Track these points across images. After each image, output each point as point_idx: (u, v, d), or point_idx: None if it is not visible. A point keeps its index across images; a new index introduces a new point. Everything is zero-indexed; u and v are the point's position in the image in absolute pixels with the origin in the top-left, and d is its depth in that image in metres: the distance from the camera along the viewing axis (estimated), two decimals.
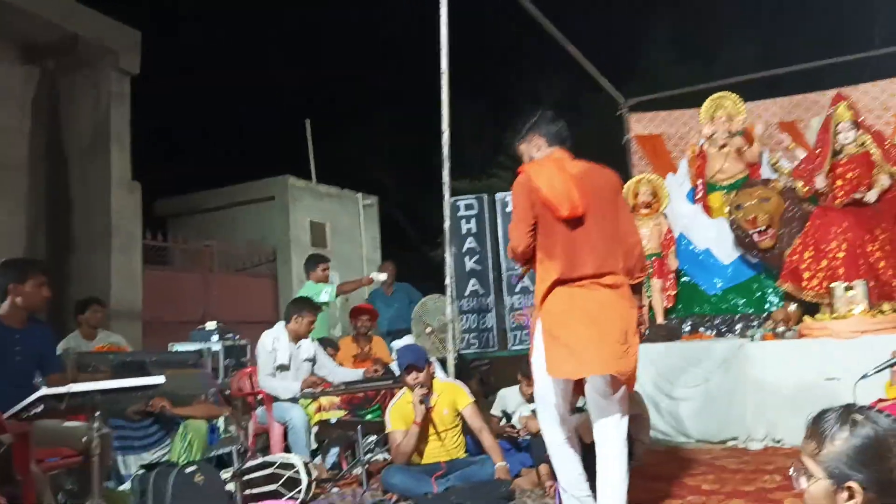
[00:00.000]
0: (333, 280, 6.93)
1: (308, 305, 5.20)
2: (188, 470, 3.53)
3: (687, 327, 6.30)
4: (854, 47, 8.46)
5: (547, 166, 3.11)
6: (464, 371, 6.11)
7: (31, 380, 3.77)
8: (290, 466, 3.93)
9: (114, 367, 4.34)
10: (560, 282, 2.99)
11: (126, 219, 8.53)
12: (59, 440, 3.50)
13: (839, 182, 5.84)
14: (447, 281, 5.44)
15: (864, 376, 3.18)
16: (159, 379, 3.28)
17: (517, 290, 7.74)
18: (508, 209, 7.97)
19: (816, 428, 1.48)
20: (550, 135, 3.27)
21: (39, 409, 2.90)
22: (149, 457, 4.18)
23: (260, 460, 4.05)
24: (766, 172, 6.51)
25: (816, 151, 6.06)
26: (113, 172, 8.44)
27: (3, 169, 7.91)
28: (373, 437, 4.77)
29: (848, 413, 1.45)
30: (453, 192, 5.91)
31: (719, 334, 6.18)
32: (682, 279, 6.57)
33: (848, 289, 5.10)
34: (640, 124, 8.38)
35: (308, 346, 5.18)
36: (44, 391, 2.89)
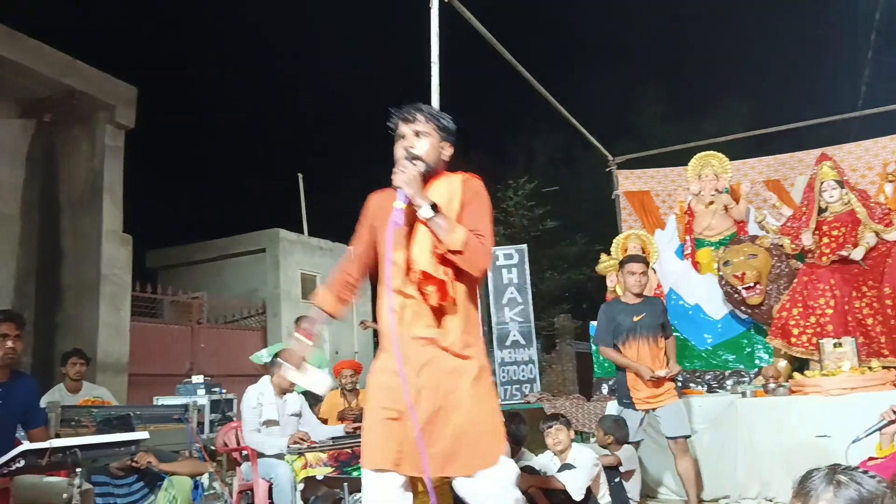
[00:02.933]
0: (324, 337, 6.93)
1: None
2: None
3: (678, 382, 6.27)
4: (838, 108, 8.67)
5: None
6: None
7: (13, 433, 3.72)
8: None
9: (97, 422, 4.28)
10: None
11: (116, 271, 8.50)
12: (40, 496, 3.43)
13: (825, 240, 5.91)
14: None
15: (855, 440, 3.17)
16: (143, 434, 3.25)
17: (508, 343, 7.71)
18: (500, 262, 8.00)
19: (802, 488, 1.47)
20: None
21: (20, 464, 2.85)
22: None
23: None
24: (753, 229, 6.60)
25: (802, 209, 6.15)
26: (105, 224, 8.44)
27: None
28: (360, 495, 4.68)
29: (833, 474, 1.44)
30: None
31: (710, 390, 6.16)
32: (673, 334, 6.57)
33: (837, 345, 5.11)
34: (628, 180, 8.50)
35: (294, 401, 5.12)
36: (25, 446, 2.85)
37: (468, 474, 2.23)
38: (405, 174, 2.26)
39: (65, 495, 3.16)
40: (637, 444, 4.83)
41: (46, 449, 2.86)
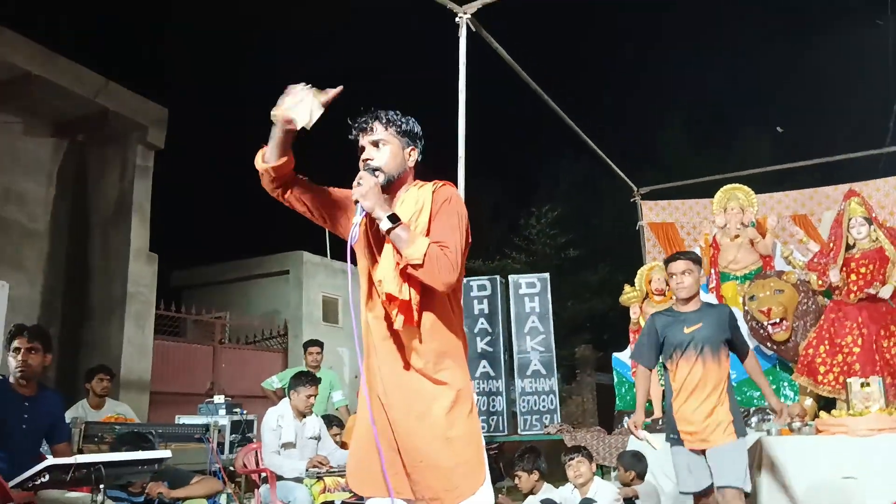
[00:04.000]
0: (343, 360, 6.95)
1: (305, 380, 5.15)
2: None
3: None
4: (867, 143, 8.61)
5: None
6: None
7: (38, 447, 3.76)
8: None
9: (119, 439, 4.31)
10: None
11: (142, 289, 8.61)
12: None
13: (853, 276, 5.83)
14: None
15: None
16: (165, 453, 3.26)
17: (528, 373, 7.67)
18: (522, 291, 7.98)
19: None
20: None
21: (45, 479, 2.87)
22: None
23: None
24: (779, 264, 6.54)
25: (830, 245, 6.09)
26: (132, 243, 8.58)
27: (26, 236, 8.07)
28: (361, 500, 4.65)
29: None
30: (467, 273, 5.96)
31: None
32: None
33: (864, 385, 5.02)
34: (652, 212, 8.48)
35: (313, 424, 5.13)
36: (50, 461, 2.88)
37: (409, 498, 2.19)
38: (362, 187, 2.16)
39: None
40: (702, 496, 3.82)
41: (71, 465, 2.89)
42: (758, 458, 5.00)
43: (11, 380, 3.66)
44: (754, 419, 6.03)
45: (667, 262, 4.11)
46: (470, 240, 2.31)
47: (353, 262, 2.24)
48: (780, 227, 7.33)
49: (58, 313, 8.29)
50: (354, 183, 2.19)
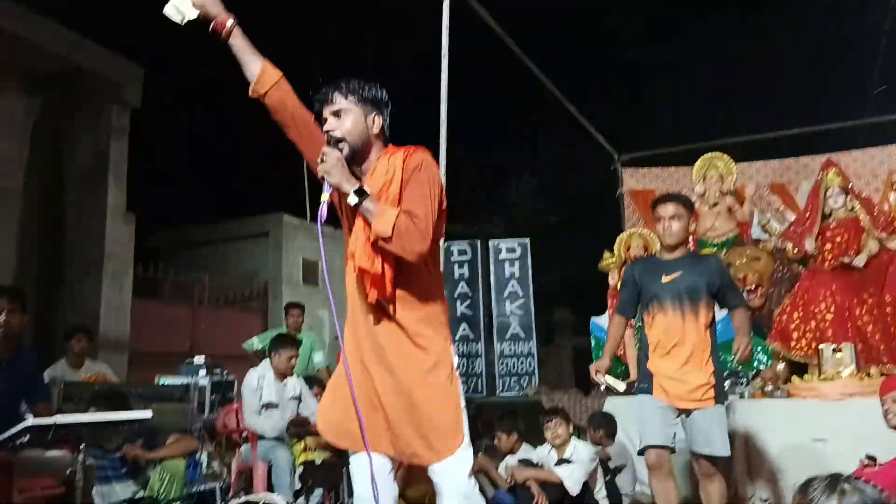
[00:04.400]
0: (323, 321, 6.96)
1: (286, 342, 5.18)
2: None
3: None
4: (847, 114, 8.67)
5: None
6: None
7: (18, 407, 3.74)
8: None
9: (99, 399, 4.31)
10: None
11: (119, 249, 8.54)
12: (43, 469, 3.46)
13: (828, 245, 5.92)
14: None
15: None
16: (146, 413, 3.28)
17: (507, 336, 7.75)
18: (502, 255, 8.03)
19: (804, 497, 1.49)
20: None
21: (25, 438, 2.88)
22: (121, 489, 4.13)
23: (243, 499, 3.99)
24: (756, 232, 6.61)
25: (806, 214, 6.16)
26: (109, 203, 8.49)
27: None
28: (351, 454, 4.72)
29: (836, 482, 1.46)
30: (447, 237, 5.98)
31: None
32: None
33: (836, 351, 5.13)
34: (633, 179, 8.51)
35: (294, 385, 5.16)
36: (30, 421, 2.88)
37: (424, 465, 2.24)
38: (326, 163, 2.16)
39: (68, 470, 3.20)
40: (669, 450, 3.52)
41: (52, 425, 2.90)
42: (730, 421, 5.12)
43: None
44: (727, 383, 6.15)
45: (654, 203, 3.67)
46: (445, 204, 2.30)
47: (328, 229, 2.26)
48: (758, 196, 7.39)
49: (33, 272, 8.20)
50: (318, 159, 2.18)
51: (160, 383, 5.98)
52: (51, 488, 3.45)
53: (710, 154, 7.15)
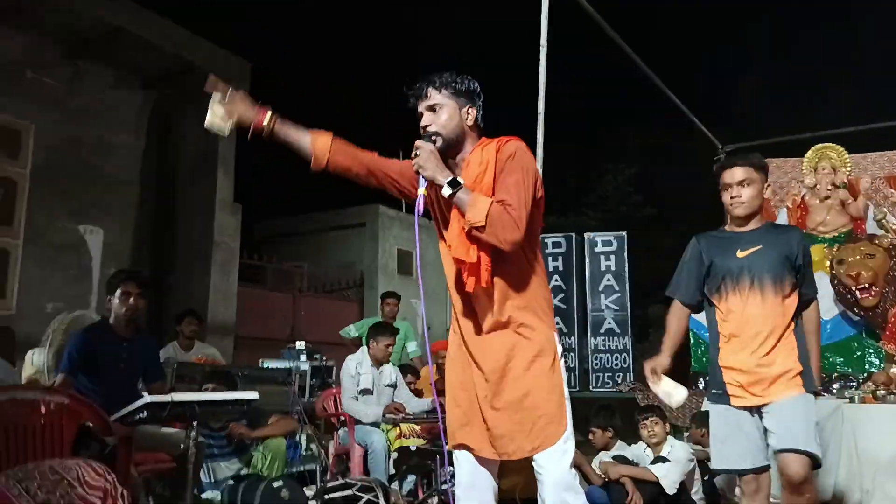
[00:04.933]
0: (418, 311, 7.07)
1: (383, 330, 5.31)
2: (276, 484, 3.67)
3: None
4: None
5: None
6: None
7: (135, 386, 4.01)
8: (369, 490, 4.00)
9: (205, 379, 4.55)
10: None
11: (227, 238, 8.92)
12: (158, 445, 3.70)
13: None
14: None
15: None
16: (253, 394, 3.43)
17: (602, 331, 7.65)
18: (597, 249, 7.93)
19: None
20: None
21: (143, 415, 3.07)
22: (227, 466, 4.34)
23: (341, 481, 4.14)
24: (871, 227, 6.27)
25: None
26: (217, 194, 8.86)
27: (117, 184, 8.43)
28: (451, 468, 4.79)
29: None
30: (542, 230, 5.93)
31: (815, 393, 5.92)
32: None
33: None
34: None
35: (390, 372, 5.29)
36: (149, 398, 3.07)
37: (524, 455, 2.21)
38: (420, 157, 2.19)
39: (182, 445, 3.40)
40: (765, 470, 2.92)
41: (168, 402, 3.08)
42: (838, 425, 4.89)
43: (113, 321, 3.90)
44: (836, 385, 5.88)
45: (719, 169, 3.13)
46: (542, 192, 2.29)
47: (423, 221, 2.27)
48: (874, 189, 6.98)
49: (147, 260, 8.68)
50: (413, 153, 2.22)
51: (264, 366, 6.24)
52: (164, 462, 3.69)
53: (821, 144, 6.82)
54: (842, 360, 6.04)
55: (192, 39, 8.70)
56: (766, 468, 2.89)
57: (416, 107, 2.34)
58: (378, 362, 5.22)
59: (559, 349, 2.31)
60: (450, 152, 2.30)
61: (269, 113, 2.35)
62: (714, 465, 3.06)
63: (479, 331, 2.30)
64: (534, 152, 5.41)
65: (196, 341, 6.18)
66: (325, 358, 6.34)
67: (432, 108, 2.30)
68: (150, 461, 3.68)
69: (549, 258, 8.04)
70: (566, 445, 2.21)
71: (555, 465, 2.19)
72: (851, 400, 5.05)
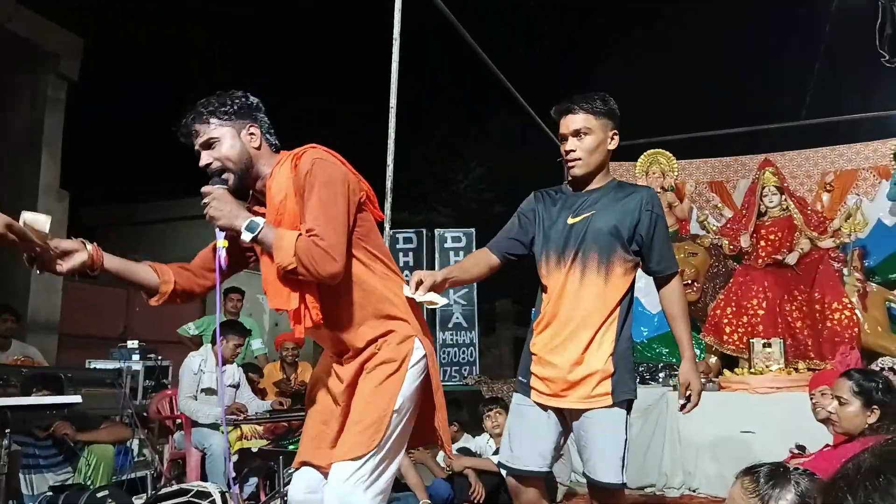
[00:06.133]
0: (263, 307, 6.86)
1: (234, 329, 5.10)
2: (100, 494, 3.40)
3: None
4: (784, 116, 8.92)
5: None
6: None
7: None
8: (206, 495, 3.79)
9: (27, 382, 4.15)
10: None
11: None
12: None
13: (762, 243, 6.11)
14: None
15: None
16: (75, 398, 3.17)
17: (450, 325, 7.77)
18: (447, 244, 8.03)
19: (757, 488, 1.40)
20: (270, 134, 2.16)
21: None
22: (53, 478, 4.01)
23: (175, 487, 3.90)
24: (694, 228, 6.78)
25: (742, 212, 6.34)
26: (42, 179, 8.16)
27: None
28: (293, 469, 4.67)
29: (785, 473, 1.40)
30: (392, 225, 5.94)
31: (643, 381, 6.31)
32: None
33: (766, 345, 5.32)
34: None
35: (233, 372, 5.08)
36: None
37: (330, 464, 2.02)
38: (211, 206, 1.94)
39: None
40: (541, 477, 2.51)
41: None
42: (663, 412, 5.25)
43: None
44: (662, 374, 6.31)
45: (555, 115, 2.59)
46: (362, 191, 2.08)
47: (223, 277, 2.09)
48: (697, 193, 7.58)
49: None
50: (202, 203, 1.96)
51: (91, 367, 5.80)
52: None
53: (652, 150, 7.30)
54: (667, 350, 6.49)
55: (17, 10, 7.94)
56: (538, 475, 2.46)
57: (193, 147, 2.07)
58: (223, 361, 5.00)
59: (416, 355, 2.07)
60: (248, 184, 2.06)
61: (92, 247, 1.99)
62: (501, 459, 2.60)
63: (336, 358, 2.16)
64: (385, 147, 5.41)
65: (13, 340, 5.65)
66: (160, 357, 5.98)
67: (208, 144, 2.02)
68: None
69: (400, 253, 8.06)
70: (362, 465, 1.94)
71: (336, 481, 1.96)
72: (675, 388, 5.44)
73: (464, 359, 7.64)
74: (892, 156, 6.36)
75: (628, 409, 2.45)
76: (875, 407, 2.57)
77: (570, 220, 2.48)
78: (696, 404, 2.51)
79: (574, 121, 2.49)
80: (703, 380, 5.23)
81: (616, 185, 2.54)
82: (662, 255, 2.47)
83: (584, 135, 2.47)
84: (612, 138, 2.52)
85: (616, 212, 2.43)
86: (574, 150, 2.48)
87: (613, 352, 2.40)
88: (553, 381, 2.43)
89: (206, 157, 2.03)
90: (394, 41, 5.56)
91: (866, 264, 6.00)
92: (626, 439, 2.42)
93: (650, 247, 2.45)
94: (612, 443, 2.38)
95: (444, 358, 7.65)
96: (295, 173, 1.98)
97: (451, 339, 7.70)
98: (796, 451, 3.39)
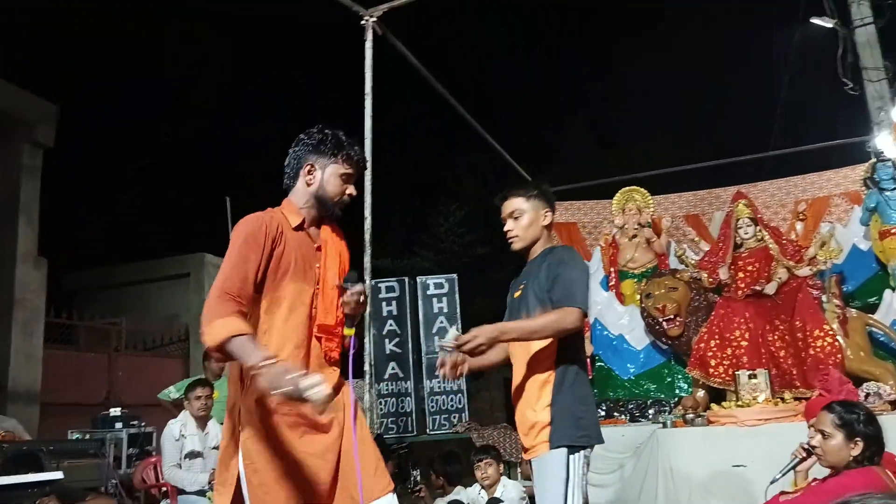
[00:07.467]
0: None
1: (195, 383, 5.01)
2: None
3: (602, 412, 6.40)
4: (754, 148, 9.11)
5: None
6: (383, 454, 5.99)
7: None
8: None
9: (7, 461, 4.06)
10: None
11: (29, 295, 8.15)
12: None
13: (741, 274, 6.17)
14: (366, 366, 5.41)
15: (773, 481, 3.25)
16: (56, 474, 3.12)
17: (437, 373, 7.72)
18: (430, 291, 8.04)
19: None
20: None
21: None
22: None
23: None
24: (673, 263, 6.84)
25: (719, 244, 6.42)
26: (19, 246, 8.11)
27: None
28: None
29: None
30: (374, 272, 5.95)
31: (632, 419, 6.31)
32: (597, 364, 6.72)
33: (751, 376, 5.32)
34: (556, 212, 8.67)
35: (215, 433, 4.99)
36: None
37: None
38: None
39: None
40: None
41: None
42: (654, 449, 5.23)
43: None
44: (651, 411, 6.30)
45: (496, 202, 2.90)
46: (268, 245, 2.26)
47: None
48: (674, 227, 7.67)
49: None
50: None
51: (73, 438, 5.69)
52: None
53: (628, 188, 7.40)
54: (655, 386, 6.49)
55: None
56: None
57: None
58: (202, 421, 4.92)
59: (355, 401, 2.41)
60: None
61: None
62: None
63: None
64: (362, 198, 5.45)
65: None
66: (143, 424, 5.88)
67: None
68: None
69: (384, 302, 8.06)
70: None
71: None
72: (664, 425, 5.43)
73: (452, 406, 7.59)
74: (862, 181, 6.47)
75: (578, 451, 2.54)
76: (858, 439, 2.58)
77: (516, 295, 2.83)
78: (471, 342, 2.53)
79: (509, 205, 2.84)
80: (691, 415, 5.26)
81: (545, 252, 2.79)
82: (561, 292, 2.58)
83: (517, 217, 2.81)
84: (545, 216, 2.86)
85: (540, 280, 2.68)
86: (511, 230, 2.83)
87: (552, 402, 2.59)
88: (522, 436, 2.72)
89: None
90: (366, 96, 5.65)
91: (844, 290, 6.05)
92: (567, 477, 2.51)
93: (552, 288, 2.62)
94: (549, 486, 2.53)
95: (432, 406, 7.60)
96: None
97: (439, 387, 7.65)
98: (804, 454, 3.32)
